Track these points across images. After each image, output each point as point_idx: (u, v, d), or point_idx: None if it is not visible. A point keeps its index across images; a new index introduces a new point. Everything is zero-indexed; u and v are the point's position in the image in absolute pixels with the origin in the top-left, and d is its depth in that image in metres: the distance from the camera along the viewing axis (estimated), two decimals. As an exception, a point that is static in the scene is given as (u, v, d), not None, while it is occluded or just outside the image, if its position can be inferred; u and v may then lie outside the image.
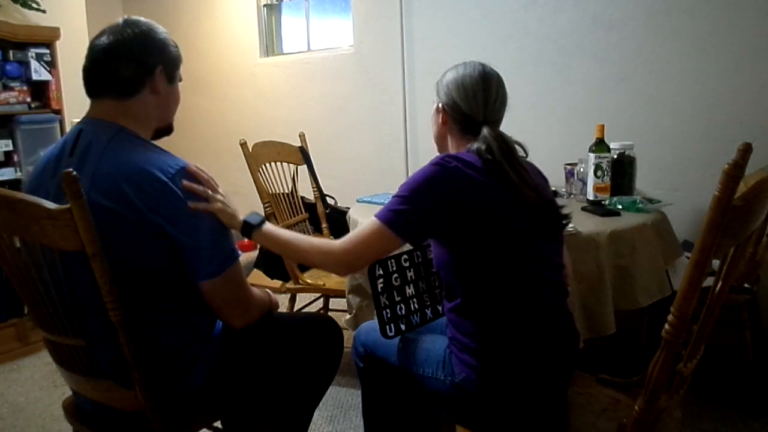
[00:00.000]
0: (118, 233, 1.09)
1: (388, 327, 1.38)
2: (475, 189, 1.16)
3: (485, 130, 1.23)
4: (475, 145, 1.23)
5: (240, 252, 1.26)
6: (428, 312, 1.46)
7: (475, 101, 1.25)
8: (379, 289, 1.36)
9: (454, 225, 1.16)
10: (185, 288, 1.19)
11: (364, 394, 1.52)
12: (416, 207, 1.17)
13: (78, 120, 1.22)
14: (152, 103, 1.23)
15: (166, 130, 1.33)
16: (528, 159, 1.30)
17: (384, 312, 1.37)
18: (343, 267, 1.26)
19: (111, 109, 1.19)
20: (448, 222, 1.16)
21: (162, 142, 1.27)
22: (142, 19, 1.24)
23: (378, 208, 2.06)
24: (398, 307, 1.40)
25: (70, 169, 0.98)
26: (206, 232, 1.15)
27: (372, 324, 1.48)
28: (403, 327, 1.40)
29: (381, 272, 1.36)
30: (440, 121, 1.34)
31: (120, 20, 1.22)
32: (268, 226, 1.32)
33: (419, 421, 1.48)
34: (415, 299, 1.44)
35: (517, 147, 1.25)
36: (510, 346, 1.21)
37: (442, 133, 1.35)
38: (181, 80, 1.32)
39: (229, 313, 1.25)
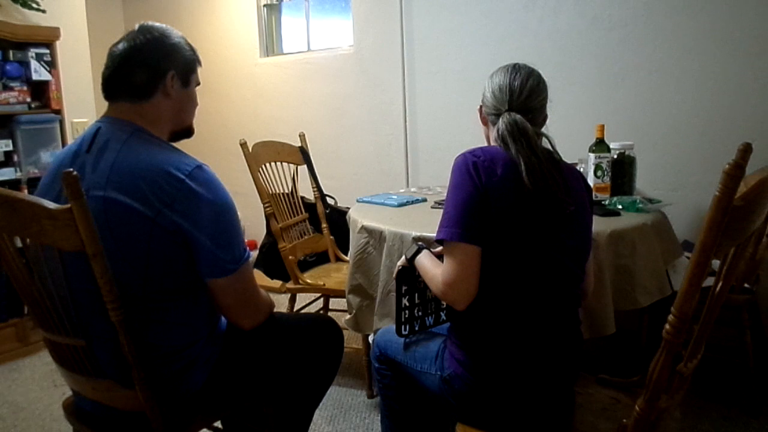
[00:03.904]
0: (133, 228, 1.10)
1: (403, 326, 1.42)
2: (478, 175, 1.18)
3: (503, 116, 1.24)
4: (494, 133, 1.25)
5: (250, 252, 1.26)
6: (443, 315, 1.50)
7: (500, 92, 1.27)
8: (403, 291, 1.41)
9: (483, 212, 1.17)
10: (192, 287, 1.20)
11: (380, 395, 1.55)
12: (462, 208, 1.18)
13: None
14: (166, 106, 1.25)
15: (185, 132, 1.35)
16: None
17: (403, 312, 1.42)
18: (458, 301, 1.19)
19: (127, 110, 1.22)
20: (483, 208, 1.17)
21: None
22: (157, 24, 1.27)
23: (377, 208, 2.09)
24: (416, 309, 1.44)
25: (71, 169, 0.99)
26: (221, 229, 1.16)
27: (390, 327, 1.51)
28: (417, 327, 1.45)
29: (408, 276, 1.40)
30: (481, 120, 1.37)
31: (136, 26, 1.26)
32: (421, 255, 1.35)
33: (431, 418, 1.50)
34: (433, 302, 1.48)
35: (545, 140, 1.26)
36: (498, 344, 1.21)
37: (485, 133, 1.37)
38: (198, 84, 1.34)
39: (239, 314, 1.25)
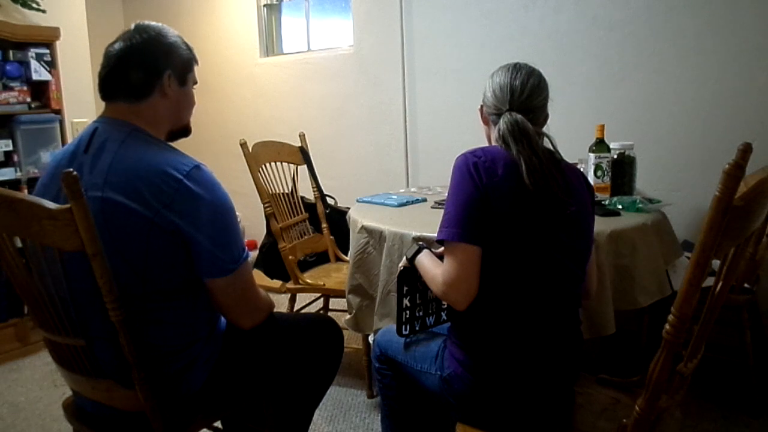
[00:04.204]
0: (131, 229, 1.10)
1: (404, 326, 1.42)
2: (478, 175, 1.17)
3: (504, 116, 1.24)
4: (495, 132, 1.25)
5: (249, 252, 1.26)
6: (443, 315, 1.50)
7: (501, 92, 1.27)
8: (404, 292, 1.41)
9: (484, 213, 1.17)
10: (191, 287, 1.20)
11: (381, 395, 1.55)
12: (462, 209, 1.18)
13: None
14: (163, 106, 1.25)
15: (183, 131, 1.34)
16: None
17: (404, 312, 1.42)
18: (458, 301, 1.19)
19: (124, 111, 1.22)
20: (484, 209, 1.17)
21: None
22: (153, 23, 1.26)
23: (377, 208, 2.09)
24: (417, 309, 1.44)
25: (70, 170, 0.99)
26: (218, 229, 1.16)
27: (391, 327, 1.51)
28: (417, 327, 1.45)
29: (409, 276, 1.40)
30: (482, 120, 1.37)
31: (132, 26, 1.25)
32: (422, 255, 1.35)
33: (431, 418, 1.50)
34: (433, 302, 1.48)
35: (546, 140, 1.26)
36: (499, 345, 1.21)
37: (486, 132, 1.37)
38: (196, 83, 1.34)
39: (237, 313, 1.25)
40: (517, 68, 1.29)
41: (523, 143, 1.19)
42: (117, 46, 1.22)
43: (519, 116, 1.23)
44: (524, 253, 1.18)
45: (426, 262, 1.31)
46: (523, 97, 1.25)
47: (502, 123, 1.23)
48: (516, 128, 1.21)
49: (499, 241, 1.17)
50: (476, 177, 1.17)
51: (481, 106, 1.35)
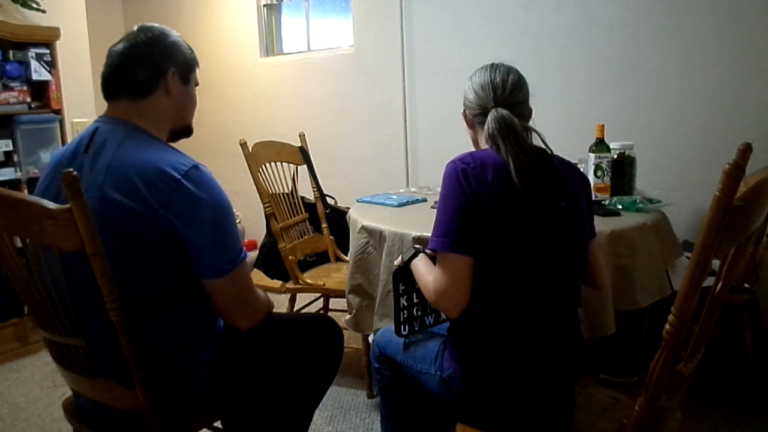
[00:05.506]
0: (129, 228, 1.10)
1: (402, 326, 1.42)
2: (468, 183, 1.17)
3: (490, 113, 1.23)
4: (483, 133, 1.25)
5: (247, 252, 1.26)
6: (442, 314, 1.49)
7: (484, 91, 1.27)
8: (400, 291, 1.40)
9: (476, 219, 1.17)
10: (189, 287, 1.19)
11: (380, 395, 1.55)
12: (452, 218, 1.17)
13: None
14: (166, 103, 1.25)
15: (185, 131, 1.35)
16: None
17: (401, 312, 1.41)
18: (449, 309, 1.19)
19: (126, 109, 1.22)
20: (475, 217, 1.16)
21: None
22: (156, 24, 1.28)
23: (377, 208, 2.09)
24: (415, 308, 1.44)
25: (71, 169, 0.99)
26: (215, 230, 1.16)
27: (390, 327, 1.50)
28: (416, 327, 1.44)
29: (405, 275, 1.40)
30: (467, 124, 1.36)
31: (135, 27, 1.27)
32: (417, 259, 1.33)
33: (431, 419, 1.50)
34: None
35: (534, 135, 1.24)
36: (498, 345, 1.21)
37: (472, 136, 1.36)
38: (197, 84, 1.35)
39: (235, 314, 1.25)
40: (494, 67, 1.30)
41: (510, 140, 1.18)
42: (121, 45, 1.23)
43: (505, 111, 1.22)
44: (519, 255, 1.18)
45: (421, 267, 1.30)
46: (506, 93, 1.25)
47: (490, 120, 1.22)
48: (503, 124, 1.20)
49: (494, 246, 1.16)
50: (465, 185, 1.17)
51: (464, 111, 1.34)
